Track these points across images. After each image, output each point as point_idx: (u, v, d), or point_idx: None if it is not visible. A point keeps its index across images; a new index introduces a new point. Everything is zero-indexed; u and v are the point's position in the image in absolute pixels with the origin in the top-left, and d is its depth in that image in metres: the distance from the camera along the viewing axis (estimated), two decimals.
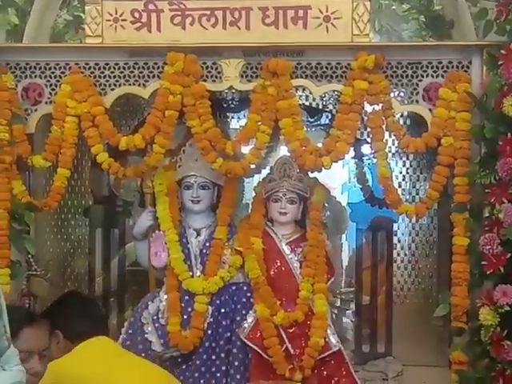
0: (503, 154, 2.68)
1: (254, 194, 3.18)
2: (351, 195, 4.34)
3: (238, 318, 3.00)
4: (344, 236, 3.77)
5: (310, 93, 3.05)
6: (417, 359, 3.18)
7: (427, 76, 2.92)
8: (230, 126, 3.26)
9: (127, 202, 3.46)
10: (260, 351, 2.92)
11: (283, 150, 3.17)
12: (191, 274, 2.98)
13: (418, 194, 3.24)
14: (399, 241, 3.47)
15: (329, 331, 2.96)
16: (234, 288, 3.03)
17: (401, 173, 3.31)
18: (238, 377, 2.95)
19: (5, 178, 2.99)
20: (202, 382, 2.93)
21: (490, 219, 2.74)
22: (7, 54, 3.05)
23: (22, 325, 2.07)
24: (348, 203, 3.71)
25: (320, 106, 3.34)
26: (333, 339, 2.95)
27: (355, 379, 2.91)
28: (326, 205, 3.16)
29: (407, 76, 2.93)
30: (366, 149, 3.31)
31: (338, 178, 4.40)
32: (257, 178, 3.26)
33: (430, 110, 2.89)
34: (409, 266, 3.42)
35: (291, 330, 2.93)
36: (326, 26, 2.90)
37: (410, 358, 3.20)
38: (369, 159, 3.37)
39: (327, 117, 3.38)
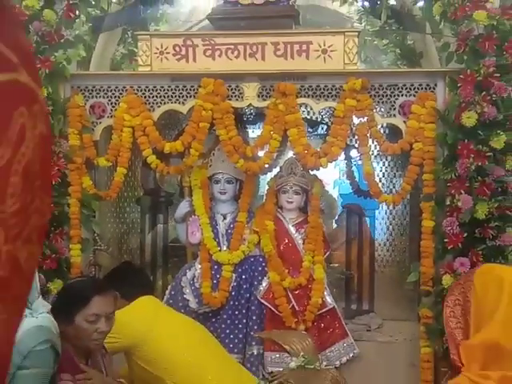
0: (461, 156, 2.71)
1: (267, 187, 3.19)
2: (341, 188, 4.36)
3: (255, 283, 3.02)
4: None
5: (311, 109, 3.07)
6: (393, 315, 3.18)
7: (402, 95, 2.93)
8: (249, 135, 3.27)
9: (169, 193, 3.47)
10: (272, 308, 2.94)
11: (290, 153, 3.18)
12: (219, 248, 3.01)
13: (394, 187, 3.25)
14: (380, 224, 3.47)
15: (325, 293, 2.98)
16: (252, 260, 3.04)
17: (381, 171, 3.31)
18: (256, 328, 2.96)
19: (76, 175, 3.02)
20: (227, 331, 2.94)
21: (451, 206, 2.76)
22: (78, 80, 3.07)
23: (94, 293, 2.06)
24: (339, 194, 3.79)
25: (318, 119, 3.35)
26: (328, 299, 2.98)
27: (345, 330, 2.96)
28: (322, 196, 3.16)
29: (386, 95, 2.94)
30: (353, 152, 3.32)
31: (331, 175, 4.40)
32: (269, 175, 3.27)
33: (404, 121, 2.90)
34: (387, 243, 3.42)
35: (296, 292, 2.95)
36: (324, 57, 2.91)
37: (388, 313, 3.20)
38: (356, 160, 3.38)
39: (323, 128, 3.38)
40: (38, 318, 1.81)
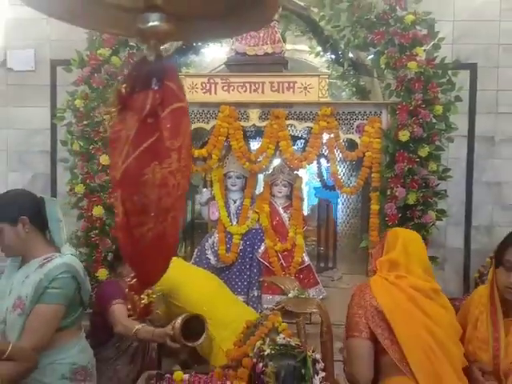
0: (398, 161, 2.72)
1: (263, 181, 3.09)
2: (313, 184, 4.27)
3: (256, 247, 2.97)
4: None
5: (295, 127, 3.01)
6: (350, 269, 3.16)
7: (357, 119, 2.88)
8: (252, 146, 3.18)
9: (195, 185, 3.35)
10: (267, 264, 2.90)
11: (279, 159, 3.10)
12: (231, 223, 2.97)
13: (351, 182, 3.19)
14: (340, 208, 3.40)
15: (304, 254, 2.94)
16: (253, 231, 3.00)
17: (342, 171, 3.26)
18: (256, 277, 2.89)
19: None
20: (236, 280, 2.90)
21: (391, 196, 2.75)
22: None
23: None
24: (313, 188, 3.75)
25: (300, 135, 3.26)
26: (306, 258, 2.93)
27: (317, 279, 2.92)
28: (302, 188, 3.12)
29: (347, 119, 2.89)
30: (323, 159, 3.23)
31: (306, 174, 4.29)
32: (266, 173, 3.14)
33: (359, 137, 2.86)
34: (346, 221, 3.36)
35: (284, 253, 2.92)
36: (305, 92, 2.88)
37: (346, 269, 3.17)
38: (322, 165, 3.31)
39: (301, 142, 3.26)
40: (63, 257, 1.75)
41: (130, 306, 2.03)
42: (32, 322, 1.63)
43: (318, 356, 1.27)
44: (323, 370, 1.24)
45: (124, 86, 0.67)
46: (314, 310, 1.56)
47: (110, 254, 2.22)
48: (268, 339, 1.30)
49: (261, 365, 1.22)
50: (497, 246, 1.71)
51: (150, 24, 0.62)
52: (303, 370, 1.21)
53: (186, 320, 1.61)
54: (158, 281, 0.75)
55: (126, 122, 0.65)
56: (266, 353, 1.24)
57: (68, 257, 1.74)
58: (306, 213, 3.21)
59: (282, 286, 1.82)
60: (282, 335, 1.31)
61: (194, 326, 1.61)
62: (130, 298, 2.03)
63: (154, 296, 2.08)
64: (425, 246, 1.79)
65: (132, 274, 1.94)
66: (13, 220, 1.69)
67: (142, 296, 2.02)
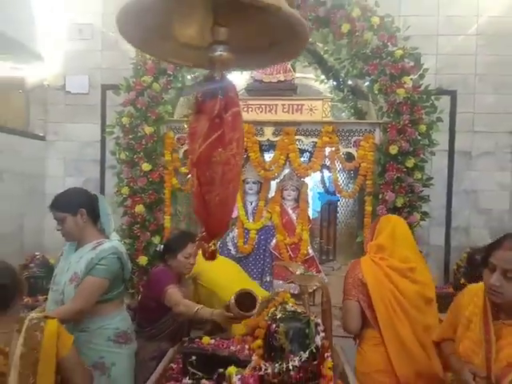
0: (388, 171, 2.73)
1: (275, 187, 3.14)
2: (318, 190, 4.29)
3: (268, 241, 3.00)
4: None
5: (302, 142, 3.05)
6: (347, 261, 3.02)
7: (355, 136, 2.90)
8: (267, 157, 3.18)
9: None
10: (278, 255, 2.94)
11: (288, 168, 3.10)
12: (248, 221, 3.01)
13: (349, 188, 3.18)
14: (340, 210, 3.46)
15: (308, 247, 2.97)
16: (267, 228, 3.02)
17: (342, 179, 3.29)
18: (268, 266, 2.95)
19: (169, 177, 2.92)
20: (252, 267, 2.94)
21: (382, 199, 2.78)
22: (171, 123, 3.00)
23: (188, 241, 2.03)
24: (317, 193, 3.82)
25: (306, 149, 3.32)
26: (310, 251, 2.98)
27: (320, 269, 2.96)
28: (308, 192, 3.15)
29: (346, 136, 2.91)
30: (326, 169, 3.28)
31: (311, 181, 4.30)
32: (277, 180, 3.19)
33: (356, 151, 2.88)
34: (344, 220, 3.42)
35: (292, 246, 2.96)
36: (311, 112, 2.93)
37: (344, 261, 3.20)
38: (325, 173, 3.35)
39: (307, 154, 3.32)
40: (111, 242, 1.80)
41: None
42: (81, 289, 1.71)
43: (319, 320, 1.38)
44: (323, 331, 1.36)
45: (200, 96, 0.80)
46: (316, 284, 1.68)
47: (160, 246, 2.25)
48: (280, 307, 1.43)
49: (274, 326, 1.31)
50: (486, 248, 1.52)
51: (217, 53, 0.75)
52: (307, 330, 1.29)
53: (238, 295, 1.60)
54: (222, 233, 0.90)
55: (200, 121, 0.80)
56: (278, 317, 1.35)
57: (115, 242, 1.83)
58: (311, 214, 3.25)
59: (291, 268, 1.93)
60: (290, 304, 1.44)
61: (243, 300, 1.59)
62: (201, 245, 2.05)
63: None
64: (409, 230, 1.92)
65: (201, 232, 2.01)
66: (73, 211, 1.77)
67: (209, 244, 2.05)
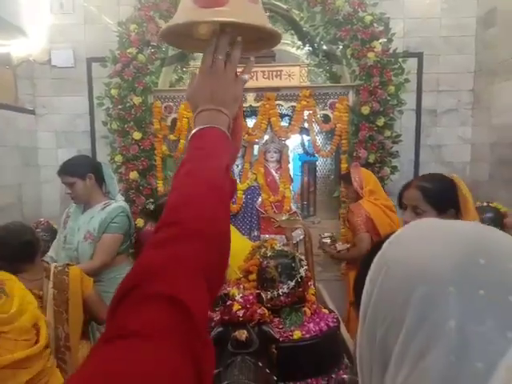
0: (361, 130, 2.91)
1: (258, 150, 3.22)
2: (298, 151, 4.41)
3: (254, 199, 3.13)
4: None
5: (282, 106, 3.11)
6: (326, 216, 3.31)
7: (330, 98, 3.01)
8: (250, 123, 3.22)
9: None
10: (264, 212, 3.08)
11: (270, 132, 3.18)
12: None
13: (326, 148, 3.24)
14: (319, 168, 3.53)
15: (291, 203, 3.13)
16: (252, 188, 3.15)
17: (320, 140, 3.32)
18: (255, 222, 3.10)
19: (159, 144, 2.99)
20: (241, 224, 3.08)
21: (356, 157, 2.91)
22: (157, 93, 3.05)
23: None
24: (298, 154, 3.94)
25: (286, 113, 3.31)
26: (293, 206, 3.14)
27: (302, 222, 2.99)
28: (289, 154, 3.25)
29: (322, 98, 3.02)
30: (305, 132, 3.32)
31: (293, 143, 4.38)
32: (260, 143, 3.25)
33: (332, 113, 3.00)
34: (322, 178, 3.50)
35: (276, 203, 3.09)
36: (289, 78, 3.02)
37: (323, 216, 3.34)
38: (305, 135, 3.39)
39: (287, 118, 3.31)
40: (118, 203, 1.95)
41: None
42: (101, 246, 1.90)
43: (303, 257, 1.63)
44: (306, 265, 1.61)
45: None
46: (299, 226, 1.91)
47: (151, 204, 2.41)
48: (269, 248, 1.66)
49: (265, 262, 1.55)
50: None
51: None
52: (293, 264, 1.54)
53: None
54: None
55: None
56: (268, 255, 1.59)
57: (122, 202, 2.02)
58: (292, 173, 3.39)
59: (277, 218, 2.15)
60: (278, 245, 1.68)
61: None
62: None
63: None
64: None
65: None
66: (82, 176, 1.92)
67: None
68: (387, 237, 0.43)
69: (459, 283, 0.34)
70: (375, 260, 0.40)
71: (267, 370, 1.01)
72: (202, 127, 0.52)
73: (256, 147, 3.30)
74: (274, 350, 1.20)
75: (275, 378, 1.19)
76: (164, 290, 0.37)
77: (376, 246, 0.43)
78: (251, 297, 1.22)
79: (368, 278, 0.40)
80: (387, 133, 2.96)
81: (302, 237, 3.09)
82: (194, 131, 0.53)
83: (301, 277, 1.52)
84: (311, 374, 1.37)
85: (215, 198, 0.46)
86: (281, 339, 1.34)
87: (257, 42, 0.93)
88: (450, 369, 0.32)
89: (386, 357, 0.36)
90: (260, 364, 0.99)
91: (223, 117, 0.54)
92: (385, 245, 0.41)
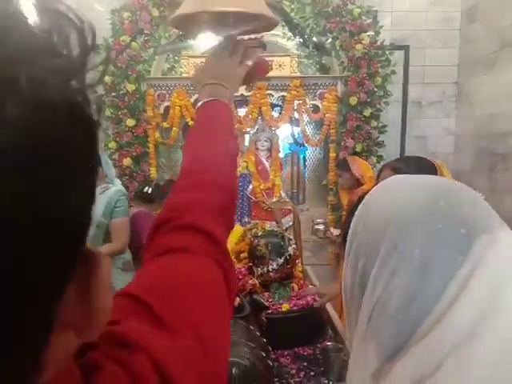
0: (349, 120, 2.98)
1: (249, 138, 3.30)
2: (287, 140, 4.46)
3: (246, 187, 3.19)
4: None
5: (273, 96, 3.14)
6: (315, 204, 3.38)
7: (319, 89, 3.07)
8: (240, 112, 3.24)
9: None
10: (254, 199, 3.13)
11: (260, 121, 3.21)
12: None
13: (315, 137, 3.26)
14: (308, 157, 3.57)
15: (281, 191, 3.21)
16: (244, 175, 3.20)
17: (309, 129, 3.34)
18: (246, 208, 3.18)
19: (152, 131, 3.04)
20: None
21: (341, 146, 3.01)
22: (150, 80, 3.08)
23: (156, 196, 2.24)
24: (288, 143, 4.00)
25: (277, 103, 3.35)
26: (283, 194, 3.21)
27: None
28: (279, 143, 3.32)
29: (312, 89, 3.07)
30: (295, 121, 3.36)
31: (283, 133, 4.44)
32: (251, 132, 3.32)
33: (321, 103, 3.06)
34: (311, 166, 3.54)
35: (266, 191, 3.17)
36: (280, 68, 3.06)
37: (312, 203, 3.40)
38: (295, 125, 3.42)
39: (277, 109, 3.35)
40: (117, 186, 2.01)
41: None
42: (116, 233, 1.98)
43: (291, 236, 1.72)
44: (294, 244, 1.69)
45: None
46: (289, 207, 2.00)
47: (147, 188, 2.47)
48: (260, 228, 1.75)
49: (256, 241, 1.63)
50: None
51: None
52: (282, 243, 1.63)
53: None
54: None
55: None
56: (259, 234, 1.68)
57: (120, 185, 2.08)
58: (282, 162, 3.45)
59: (266, 202, 2.23)
60: (268, 225, 1.77)
61: None
62: None
63: None
64: None
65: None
66: None
67: None
68: (367, 192, 0.51)
69: (423, 220, 0.42)
70: (359, 208, 0.49)
71: (258, 334, 1.10)
72: (206, 100, 0.60)
73: (247, 136, 3.36)
74: (263, 318, 1.28)
75: (269, 348, 1.27)
76: (194, 222, 0.43)
77: (359, 199, 0.51)
78: (243, 269, 1.30)
79: (353, 223, 0.48)
80: (374, 123, 3.04)
81: (290, 223, 3.18)
82: (199, 104, 0.60)
83: (289, 255, 1.60)
84: (298, 344, 1.46)
85: (225, 154, 0.54)
86: (270, 311, 1.43)
87: (256, 26, 1.02)
88: (413, 286, 0.41)
89: (364, 281, 0.44)
90: (251, 327, 1.08)
91: (224, 90, 0.61)
92: (366, 196, 0.49)
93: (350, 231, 0.48)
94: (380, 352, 0.42)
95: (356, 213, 0.49)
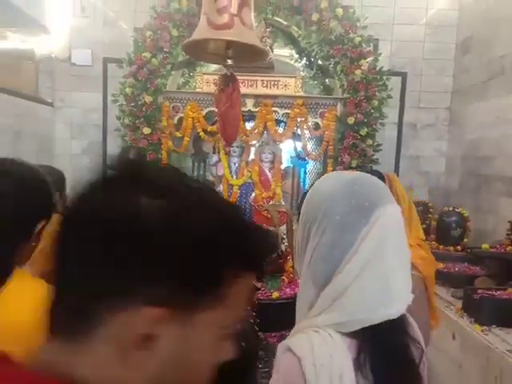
0: (346, 138, 3.18)
1: (255, 150, 3.39)
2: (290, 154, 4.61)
3: (248, 195, 3.30)
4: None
5: (278, 113, 3.25)
6: None
7: (321, 108, 3.22)
8: (248, 125, 3.34)
9: (207, 152, 3.53)
10: (256, 207, 3.21)
11: (265, 135, 3.34)
12: (232, 178, 3.34)
13: (316, 152, 3.36)
14: (308, 170, 3.70)
15: (281, 200, 3.32)
16: (247, 184, 3.31)
17: (310, 145, 3.44)
18: (248, 216, 3.16)
19: (165, 140, 3.19)
20: None
21: (340, 161, 3.19)
22: (167, 93, 3.28)
23: None
24: (290, 157, 4.16)
25: (281, 119, 3.43)
26: (283, 203, 3.30)
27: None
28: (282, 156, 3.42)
29: (314, 108, 3.21)
30: (297, 137, 3.42)
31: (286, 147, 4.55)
32: (257, 144, 3.40)
33: (321, 121, 3.20)
34: (311, 180, 3.62)
35: (267, 199, 3.24)
36: (285, 88, 3.22)
37: None
38: (297, 140, 3.48)
39: (281, 124, 3.47)
40: None
41: None
42: None
43: (285, 236, 1.97)
44: (287, 242, 1.94)
45: (220, 84, 1.36)
46: (283, 210, 2.24)
47: None
48: None
49: None
50: None
51: (228, 61, 1.29)
52: (276, 240, 1.88)
53: None
54: (234, 140, 1.71)
55: (221, 98, 1.41)
56: None
57: None
58: (283, 173, 3.52)
59: (266, 207, 2.47)
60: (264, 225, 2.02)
61: None
62: None
63: None
64: None
65: None
66: None
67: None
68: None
69: (342, 198, 0.69)
70: (308, 193, 0.75)
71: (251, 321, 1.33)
72: None
73: (253, 149, 3.52)
74: (255, 300, 1.52)
75: (257, 329, 1.51)
76: None
77: (310, 187, 0.78)
78: None
79: (304, 200, 0.74)
80: (369, 142, 3.26)
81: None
82: None
83: (281, 251, 1.85)
84: (286, 328, 1.69)
85: None
86: (261, 298, 1.67)
87: (251, 56, 1.41)
88: (335, 239, 0.66)
89: (307, 236, 0.70)
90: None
91: None
92: (313, 184, 0.76)
93: (302, 209, 0.74)
94: (315, 283, 0.67)
95: (306, 197, 0.75)
